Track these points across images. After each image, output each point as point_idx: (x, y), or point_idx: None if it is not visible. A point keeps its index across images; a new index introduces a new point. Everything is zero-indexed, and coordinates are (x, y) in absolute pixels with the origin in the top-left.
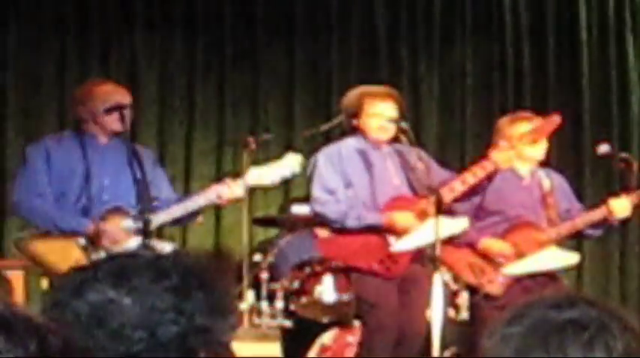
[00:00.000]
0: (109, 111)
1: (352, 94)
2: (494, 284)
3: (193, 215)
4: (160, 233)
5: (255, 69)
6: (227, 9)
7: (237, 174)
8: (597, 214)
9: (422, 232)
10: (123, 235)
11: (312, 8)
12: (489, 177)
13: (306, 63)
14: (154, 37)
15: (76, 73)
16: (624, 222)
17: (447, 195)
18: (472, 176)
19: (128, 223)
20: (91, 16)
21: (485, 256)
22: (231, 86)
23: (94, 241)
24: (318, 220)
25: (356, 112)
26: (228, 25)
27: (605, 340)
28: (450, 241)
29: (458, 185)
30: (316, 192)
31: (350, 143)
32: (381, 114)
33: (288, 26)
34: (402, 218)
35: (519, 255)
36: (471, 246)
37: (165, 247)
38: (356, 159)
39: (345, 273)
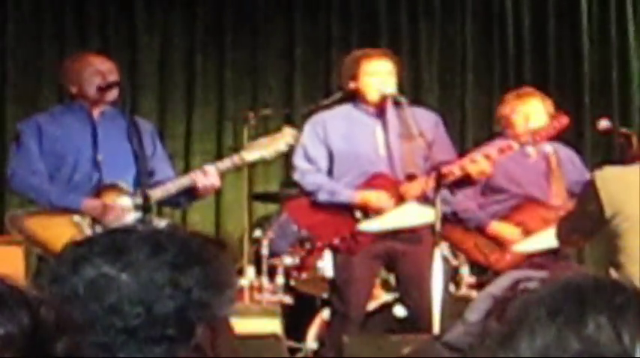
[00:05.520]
0: (104, 89)
1: (349, 57)
2: (503, 262)
3: (187, 197)
4: (160, 210)
5: (255, 45)
6: None
7: (237, 149)
8: None
9: (393, 216)
10: (119, 212)
11: None
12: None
13: (306, 39)
14: (153, 14)
15: (74, 50)
16: None
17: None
18: (470, 163)
19: (124, 200)
20: None
21: (494, 238)
22: (232, 62)
23: (89, 218)
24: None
25: (353, 74)
26: (228, 1)
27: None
28: (458, 223)
29: (456, 170)
30: (297, 160)
31: (340, 111)
32: (378, 71)
33: (287, 2)
34: (376, 197)
35: (527, 232)
36: (480, 229)
37: (160, 223)
38: (341, 129)
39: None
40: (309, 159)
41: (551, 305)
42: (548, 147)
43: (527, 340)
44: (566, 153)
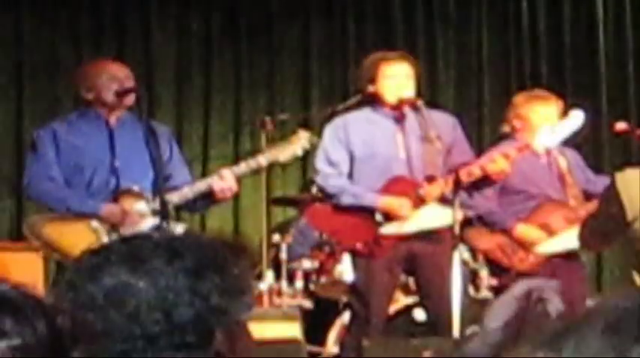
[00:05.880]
0: (121, 94)
1: (368, 60)
2: (526, 263)
3: (205, 202)
4: (178, 215)
5: (272, 48)
6: None
7: (254, 153)
8: None
9: (414, 218)
10: (136, 218)
11: None
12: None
13: (322, 42)
14: (169, 17)
15: (91, 54)
16: None
17: (464, 178)
18: (491, 163)
19: (141, 206)
20: None
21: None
22: (248, 66)
23: (107, 224)
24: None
25: (372, 77)
26: (243, 4)
27: None
28: (483, 225)
29: (476, 170)
30: (319, 164)
31: (360, 114)
32: (397, 75)
33: (303, 4)
34: (398, 204)
35: (550, 233)
36: (505, 231)
37: (177, 228)
38: (362, 132)
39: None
40: (330, 162)
41: (612, 321)
42: (555, 150)
43: (574, 344)
44: (571, 154)
